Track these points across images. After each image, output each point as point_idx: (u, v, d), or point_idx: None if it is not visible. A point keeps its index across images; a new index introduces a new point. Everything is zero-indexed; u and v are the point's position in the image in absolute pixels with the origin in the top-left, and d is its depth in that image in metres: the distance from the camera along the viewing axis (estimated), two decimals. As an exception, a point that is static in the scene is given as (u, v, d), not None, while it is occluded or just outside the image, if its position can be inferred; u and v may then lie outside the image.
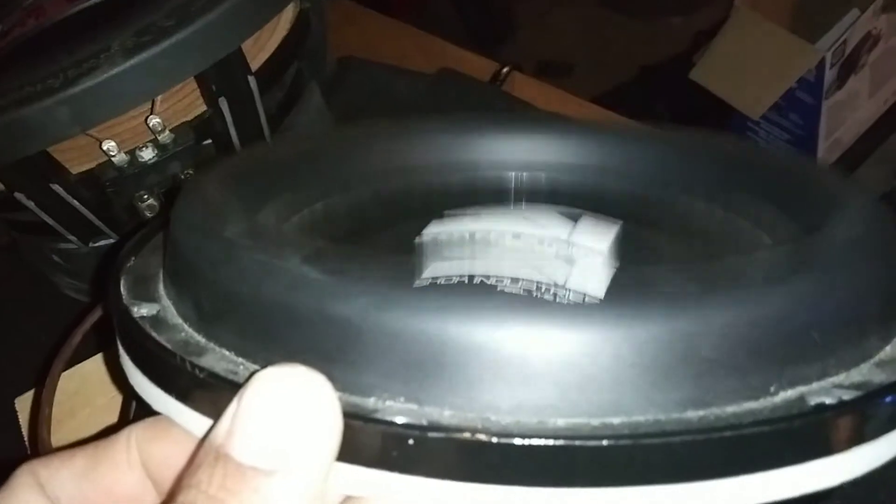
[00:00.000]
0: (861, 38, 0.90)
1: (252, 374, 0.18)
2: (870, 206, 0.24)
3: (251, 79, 0.43)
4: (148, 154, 0.42)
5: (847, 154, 0.98)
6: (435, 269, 0.24)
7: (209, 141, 0.44)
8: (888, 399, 0.18)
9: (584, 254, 0.23)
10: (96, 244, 0.45)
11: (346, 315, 0.19)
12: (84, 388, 0.38)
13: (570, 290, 0.21)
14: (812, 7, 0.94)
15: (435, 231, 0.25)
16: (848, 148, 0.98)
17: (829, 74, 0.89)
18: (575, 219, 0.25)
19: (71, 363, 0.38)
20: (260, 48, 0.47)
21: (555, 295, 0.21)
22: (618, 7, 1.57)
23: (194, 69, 0.39)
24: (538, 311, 0.18)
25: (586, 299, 0.21)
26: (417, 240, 0.24)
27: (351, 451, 0.18)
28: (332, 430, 0.18)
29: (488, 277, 0.23)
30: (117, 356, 0.24)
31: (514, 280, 0.23)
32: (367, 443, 0.18)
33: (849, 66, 0.91)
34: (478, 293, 0.21)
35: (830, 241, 0.22)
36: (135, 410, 0.34)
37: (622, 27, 1.52)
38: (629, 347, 0.18)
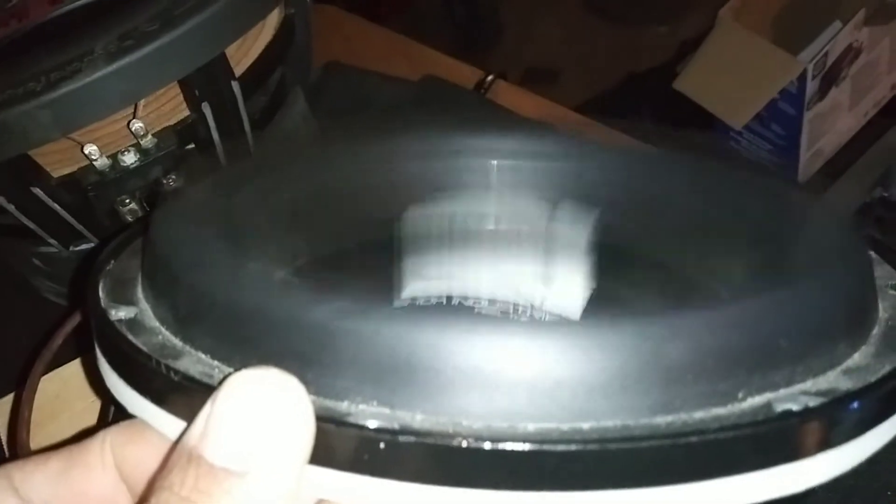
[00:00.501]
0: (842, 50, 0.91)
1: (226, 376, 0.18)
2: (836, 220, 0.24)
3: (235, 84, 0.43)
4: (130, 158, 0.42)
5: (828, 165, 0.99)
6: (414, 289, 0.24)
7: (192, 146, 0.44)
8: (853, 406, 0.19)
9: (561, 272, 0.24)
10: (77, 248, 0.45)
11: (320, 320, 0.19)
12: (64, 392, 0.38)
13: (546, 313, 0.22)
14: (795, 19, 0.95)
15: (416, 217, 0.25)
16: (829, 159, 0.99)
17: (811, 86, 0.90)
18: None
19: (52, 367, 0.37)
20: (244, 53, 0.47)
21: (531, 317, 0.21)
22: (604, 14, 1.58)
23: (177, 74, 0.39)
24: (510, 318, 0.19)
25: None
26: (397, 226, 0.25)
27: (324, 455, 0.18)
28: (305, 432, 0.18)
29: (466, 299, 0.23)
30: (96, 360, 0.24)
31: (492, 302, 0.23)
32: (339, 446, 0.18)
33: (830, 78, 0.92)
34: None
35: (798, 251, 0.23)
36: (113, 414, 0.34)
37: (608, 34, 1.53)
38: (599, 354, 0.18)
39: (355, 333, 0.19)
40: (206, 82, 0.42)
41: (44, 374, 0.36)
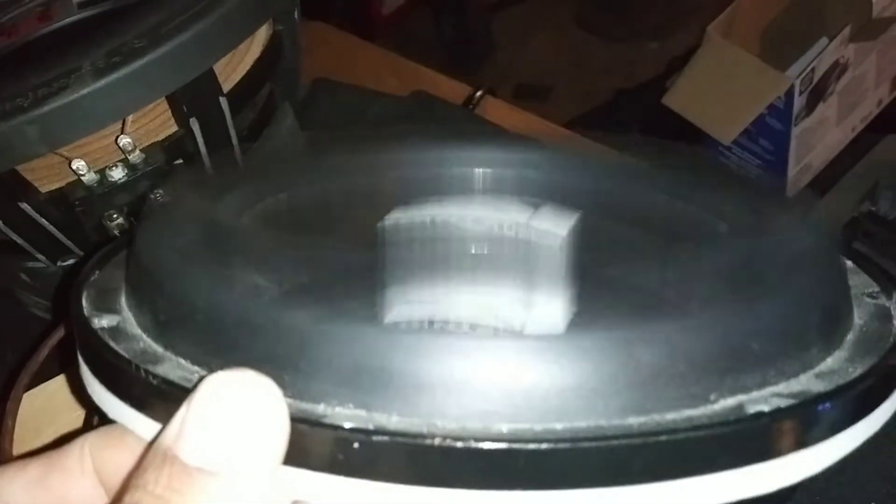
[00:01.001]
0: (829, 66, 0.92)
1: (201, 378, 0.19)
2: (813, 229, 0.25)
3: (222, 100, 0.44)
4: (118, 174, 0.42)
5: (817, 179, 0.99)
6: (395, 315, 0.25)
7: (180, 161, 0.44)
8: (822, 407, 0.19)
9: (542, 297, 0.24)
10: (65, 263, 0.45)
11: (297, 324, 0.19)
12: (50, 406, 0.38)
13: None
14: (782, 35, 0.96)
15: (397, 218, 0.25)
16: (817, 173, 1.00)
17: (798, 101, 0.90)
18: (535, 206, 0.25)
19: (37, 381, 0.38)
20: (233, 69, 0.47)
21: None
22: (595, 31, 1.59)
23: (165, 90, 0.40)
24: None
25: None
26: (379, 226, 0.25)
27: (299, 455, 0.18)
28: (279, 432, 0.18)
29: (447, 324, 0.24)
30: (79, 369, 0.24)
31: (473, 327, 0.24)
32: (314, 447, 0.18)
33: (817, 94, 0.93)
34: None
35: (771, 256, 0.23)
36: (97, 423, 0.34)
37: (599, 51, 1.54)
38: (572, 357, 0.18)
39: (331, 337, 0.19)
40: (194, 98, 0.42)
41: (29, 387, 0.36)
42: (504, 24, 1.68)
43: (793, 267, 0.22)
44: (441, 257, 0.27)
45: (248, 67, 0.47)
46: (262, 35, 0.50)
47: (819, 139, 0.97)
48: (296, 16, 0.52)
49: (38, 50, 0.48)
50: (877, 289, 0.25)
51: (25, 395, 0.36)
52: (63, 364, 0.38)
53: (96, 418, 0.35)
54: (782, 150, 0.95)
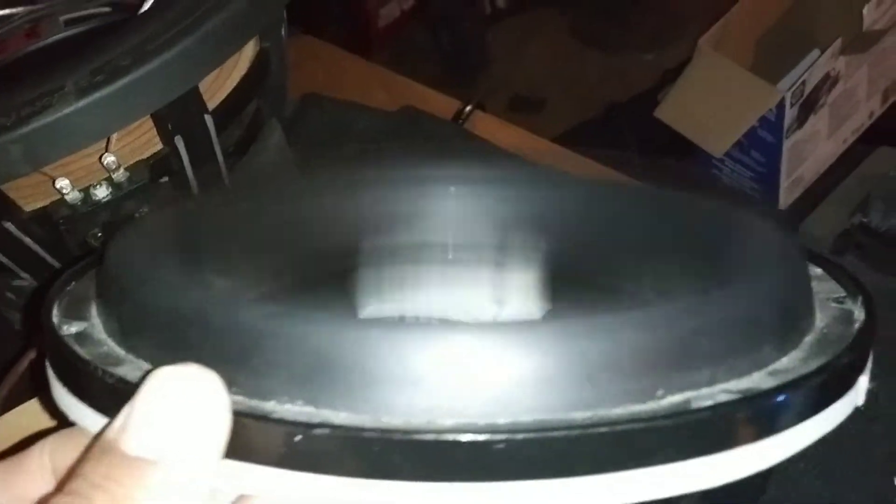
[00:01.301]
0: (820, 78, 0.92)
1: (146, 372, 0.19)
2: (779, 237, 0.25)
3: (208, 117, 0.44)
4: (102, 192, 0.42)
5: (808, 192, 1.00)
6: (367, 313, 0.25)
7: (165, 179, 0.44)
8: (769, 401, 0.19)
9: (513, 295, 0.24)
10: (50, 281, 0.45)
11: (248, 323, 0.20)
12: (30, 425, 0.38)
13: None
14: (774, 48, 0.97)
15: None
16: (809, 186, 1.00)
17: (789, 114, 0.91)
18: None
19: (16, 402, 0.37)
20: (219, 86, 0.47)
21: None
22: (590, 43, 1.59)
23: (149, 109, 0.40)
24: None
25: None
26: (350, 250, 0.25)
27: (243, 449, 0.18)
28: (220, 423, 0.18)
29: (417, 320, 0.24)
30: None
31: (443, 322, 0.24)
32: (257, 440, 0.18)
33: (808, 106, 0.93)
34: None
35: (733, 263, 0.23)
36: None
37: (594, 63, 1.55)
38: (515, 351, 0.19)
39: (279, 334, 0.19)
40: (179, 116, 0.42)
41: (7, 406, 0.36)
42: (499, 36, 1.68)
43: (750, 268, 0.22)
44: (413, 262, 0.27)
45: (234, 84, 0.47)
46: (248, 52, 0.50)
47: (811, 151, 0.97)
48: (283, 32, 0.52)
49: (24, 67, 0.48)
50: (843, 294, 0.25)
51: (1, 419, 0.36)
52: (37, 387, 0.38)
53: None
54: (774, 162, 0.95)
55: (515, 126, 0.68)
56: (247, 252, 0.30)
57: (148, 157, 0.43)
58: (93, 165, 0.42)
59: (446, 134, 0.63)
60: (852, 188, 0.95)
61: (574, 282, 0.27)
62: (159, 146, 0.44)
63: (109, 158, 0.41)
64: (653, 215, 0.29)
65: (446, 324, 0.19)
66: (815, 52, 0.95)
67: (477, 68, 1.63)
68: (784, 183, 0.96)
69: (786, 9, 0.97)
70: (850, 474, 0.36)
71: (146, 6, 0.44)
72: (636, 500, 0.18)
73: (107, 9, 0.50)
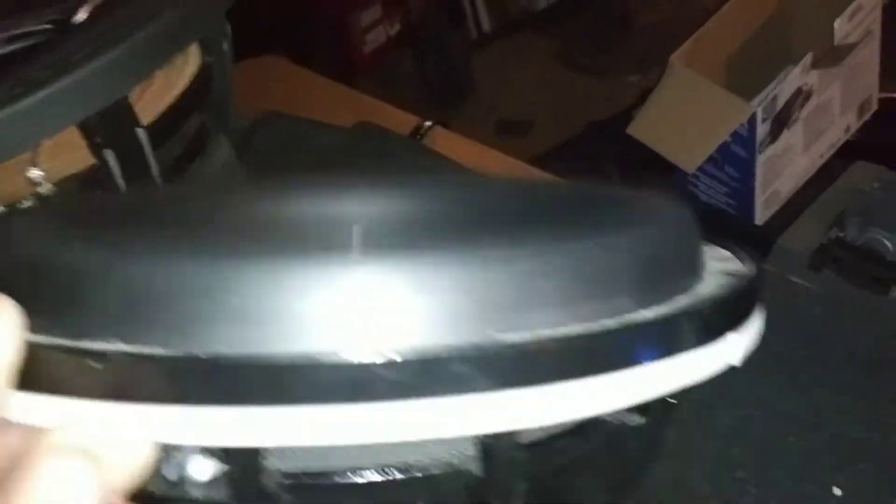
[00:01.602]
0: (792, 93, 0.92)
1: None
2: (667, 205, 0.25)
3: (140, 131, 0.43)
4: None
5: (785, 206, 0.99)
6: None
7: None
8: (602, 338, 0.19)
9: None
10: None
11: (66, 262, 0.20)
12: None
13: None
14: (747, 64, 0.96)
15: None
16: (786, 200, 0.99)
17: (762, 129, 0.90)
18: None
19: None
20: (159, 100, 0.47)
21: None
22: (576, 66, 1.60)
23: (71, 120, 0.39)
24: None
25: None
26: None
27: (47, 382, 0.18)
28: (6, 349, 0.18)
29: None
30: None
31: None
32: (56, 371, 0.18)
33: (781, 121, 0.92)
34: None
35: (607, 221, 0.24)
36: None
37: (580, 85, 1.55)
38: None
39: (97, 273, 0.19)
40: (108, 129, 0.41)
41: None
42: (485, 61, 1.69)
43: (627, 227, 0.22)
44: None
45: (173, 99, 0.47)
46: (191, 67, 0.49)
47: (785, 166, 0.97)
48: (225, 47, 0.51)
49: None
50: (741, 270, 0.25)
51: None
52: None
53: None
54: (748, 177, 0.94)
55: (474, 141, 0.68)
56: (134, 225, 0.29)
57: (79, 172, 0.43)
58: (18, 181, 0.41)
59: (404, 149, 0.63)
60: (829, 203, 0.94)
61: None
62: (93, 160, 0.43)
63: (35, 172, 0.41)
64: (550, 200, 0.29)
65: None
66: (791, 67, 0.94)
67: (463, 92, 1.63)
68: (760, 198, 0.96)
69: (759, 25, 0.97)
70: (788, 483, 0.35)
71: (77, 18, 0.44)
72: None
73: (48, 26, 0.50)
